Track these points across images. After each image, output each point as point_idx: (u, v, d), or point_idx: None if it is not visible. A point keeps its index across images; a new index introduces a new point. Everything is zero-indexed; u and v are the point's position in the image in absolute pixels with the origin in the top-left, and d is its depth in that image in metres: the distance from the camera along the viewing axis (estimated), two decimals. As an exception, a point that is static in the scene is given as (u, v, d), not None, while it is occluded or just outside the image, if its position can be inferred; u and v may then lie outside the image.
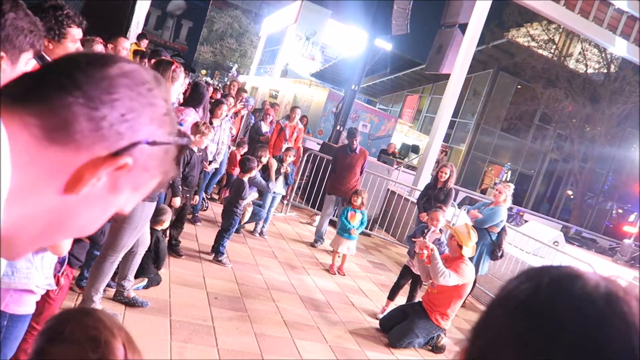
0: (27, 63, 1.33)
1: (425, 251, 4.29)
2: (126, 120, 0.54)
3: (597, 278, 0.49)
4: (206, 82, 13.04)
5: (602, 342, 0.43)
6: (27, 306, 1.91)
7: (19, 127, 0.51)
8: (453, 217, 7.77)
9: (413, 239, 4.85)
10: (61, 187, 0.54)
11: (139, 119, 0.55)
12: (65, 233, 0.59)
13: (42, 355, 1.01)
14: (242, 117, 9.04)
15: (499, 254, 5.72)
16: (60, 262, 2.27)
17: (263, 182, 5.62)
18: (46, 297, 2.32)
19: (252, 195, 5.46)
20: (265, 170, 6.56)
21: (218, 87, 14.50)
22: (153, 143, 0.56)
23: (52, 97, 0.52)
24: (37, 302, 1.99)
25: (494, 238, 5.67)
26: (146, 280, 3.92)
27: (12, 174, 0.50)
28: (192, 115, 4.62)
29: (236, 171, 6.58)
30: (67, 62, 0.56)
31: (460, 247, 4.36)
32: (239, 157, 6.56)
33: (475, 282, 4.87)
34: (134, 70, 0.57)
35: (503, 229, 5.73)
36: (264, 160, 5.93)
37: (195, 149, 4.56)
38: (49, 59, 2.48)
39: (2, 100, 0.53)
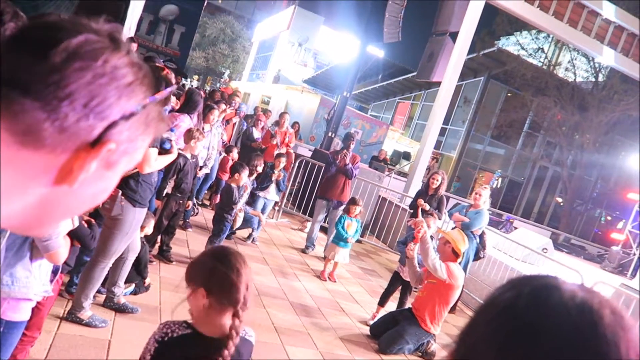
0: None
1: (422, 230, 4.43)
2: (91, 109, 0.50)
3: (575, 289, 0.51)
4: (197, 87, 13.02)
5: (573, 351, 0.46)
6: (23, 313, 1.92)
7: None
8: (443, 224, 7.81)
9: (413, 221, 4.99)
10: (51, 182, 0.51)
11: (104, 102, 0.51)
12: (74, 212, 0.58)
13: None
14: (234, 124, 9.04)
15: (482, 255, 6.00)
16: (54, 271, 2.26)
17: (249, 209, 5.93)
18: (36, 303, 2.31)
19: (243, 197, 5.46)
20: (259, 179, 6.55)
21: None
22: (128, 117, 0.53)
23: (10, 100, 0.48)
24: (27, 309, 1.99)
25: (477, 240, 5.87)
26: (134, 285, 3.92)
27: None
28: (186, 121, 4.65)
29: (226, 177, 6.59)
30: (11, 54, 0.49)
31: (456, 254, 4.40)
32: (230, 163, 6.57)
33: (462, 287, 4.92)
34: (81, 45, 0.50)
35: (483, 230, 5.96)
36: (259, 169, 5.95)
37: (188, 155, 4.57)
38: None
39: None
